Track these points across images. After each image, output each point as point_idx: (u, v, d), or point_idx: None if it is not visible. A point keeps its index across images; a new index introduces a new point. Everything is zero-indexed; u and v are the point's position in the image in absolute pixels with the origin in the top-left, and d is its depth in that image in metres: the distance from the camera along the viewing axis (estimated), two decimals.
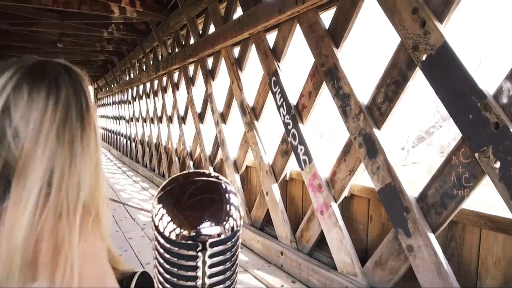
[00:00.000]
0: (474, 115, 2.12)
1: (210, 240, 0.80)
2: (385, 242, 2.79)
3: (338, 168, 3.22)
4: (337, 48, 3.13)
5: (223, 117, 5.35)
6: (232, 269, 0.89)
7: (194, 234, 0.79)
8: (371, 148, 2.81)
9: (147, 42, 9.14)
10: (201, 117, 6.18)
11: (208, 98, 5.77)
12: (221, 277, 0.86)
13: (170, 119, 7.98)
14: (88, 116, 0.80)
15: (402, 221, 2.57)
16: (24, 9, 7.34)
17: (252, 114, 4.47)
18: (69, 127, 0.75)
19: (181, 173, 0.91)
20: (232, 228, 0.83)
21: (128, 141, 12.85)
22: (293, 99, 3.78)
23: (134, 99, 11.74)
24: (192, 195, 0.83)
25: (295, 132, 3.67)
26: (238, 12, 4.84)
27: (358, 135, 2.93)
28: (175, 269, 0.83)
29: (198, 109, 6.26)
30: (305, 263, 3.48)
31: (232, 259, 0.87)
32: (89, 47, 11.31)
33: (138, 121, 11.26)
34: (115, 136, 15.97)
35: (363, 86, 3.03)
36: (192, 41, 6.36)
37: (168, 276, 0.84)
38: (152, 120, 9.61)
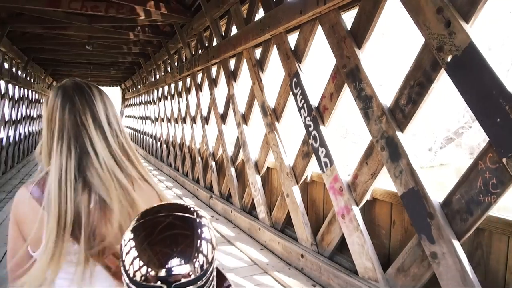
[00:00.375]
0: (502, 118, 2.03)
1: (177, 282, 0.74)
2: (408, 248, 2.72)
3: (360, 171, 3.16)
4: (359, 49, 3.07)
5: (245, 118, 5.37)
6: None
7: (161, 274, 0.74)
8: (394, 151, 2.74)
9: (171, 43, 9.30)
10: (223, 118, 6.22)
11: (230, 99, 5.80)
12: None
13: (193, 120, 8.08)
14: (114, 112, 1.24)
15: (425, 227, 2.49)
16: (55, 13, 7.62)
17: (273, 115, 4.47)
18: (114, 115, 1.22)
19: (159, 204, 0.87)
20: (202, 266, 0.78)
21: (154, 141, 13.12)
22: (314, 101, 3.74)
23: (159, 99, 11.97)
24: (164, 229, 0.79)
25: (316, 134, 3.63)
26: (260, 14, 4.84)
27: (380, 137, 2.86)
28: None
29: (221, 110, 6.31)
30: (325, 267, 3.44)
31: None
32: (117, 49, 11.61)
33: (163, 121, 11.48)
34: (142, 136, 16.33)
35: (387, 88, 2.96)
36: (215, 42, 6.41)
37: None
38: (176, 121, 9.77)
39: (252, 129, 5.40)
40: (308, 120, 3.75)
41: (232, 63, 5.81)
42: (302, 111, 3.84)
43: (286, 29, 4.09)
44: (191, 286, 0.76)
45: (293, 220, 4.10)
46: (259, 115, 4.78)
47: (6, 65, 9.62)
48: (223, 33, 6.07)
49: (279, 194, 4.58)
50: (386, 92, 2.94)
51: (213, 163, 6.75)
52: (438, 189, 2.56)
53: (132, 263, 0.75)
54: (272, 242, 4.36)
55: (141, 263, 0.74)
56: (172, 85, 10.02)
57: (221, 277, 1.42)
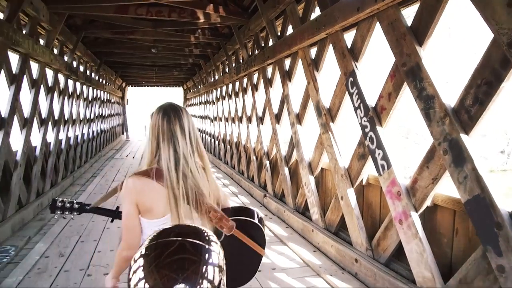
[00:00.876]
0: None
1: None
2: (472, 259, 2.52)
3: (420, 176, 2.99)
4: (420, 46, 2.90)
5: (299, 118, 5.34)
6: None
7: None
8: (458, 155, 2.55)
9: (229, 45, 9.52)
10: (277, 117, 6.24)
11: (284, 99, 5.80)
12: None
13: (249, 119, 8.21)
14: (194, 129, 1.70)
15: (492, 238, 2.29)
16: (124, 19, 8.19)
17: (327, 115, 4.39)
18: (192, 127, 1.69)
19: (177, 225, 0.93)
20: None
21: (212, 139, 13.56)
22: (371, 101, 3.61)
23: (217, 99, 12.33)
24: (173, 252, 0.81)
25: (373, 136, 3.51)
26: (316, 12, 4.78)
27: (443, 140, 2.68)
28: None
29: (275, 109, 6.34)
30: (381, 274, 3.32)
31: None
32: (179, 52, 12.18)
33: (220, 121, 11.81)
34: (201, 134, 16.96)
35: (450, 87, 2.77)
36: (271, 43, 6.45)
37: None
38: (233, 120, 9.99)
39: (306, 129, 5.35)
40: (364, 121, 3.63)
41: (287, 63, 5.81)
42: (358, 111, 3.72)
43: (342, 27, 4.00)
44: None
45: (348, 223, 4.00)
46: (314, 115, 4.73)
47: (81, 68, 10.52)
48: (279, 33, 6.08)
49: (333, 196, 4.49)
50: (449, 92, 2.75)
51: (267, 162, 6.81)
52: (510, 195, 2.33)
53: (137, 284, 0.77)
54: (325, 244, 4.29)
55: (147, 285, 0.76)
56: (230, 86, 10.26)
57: (249, 212, 1.94)
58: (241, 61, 8.76)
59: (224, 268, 0.83)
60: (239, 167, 9.23)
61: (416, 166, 3.08)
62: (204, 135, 16.08)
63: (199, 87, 16.73)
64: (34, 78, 6.52)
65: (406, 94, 3.19)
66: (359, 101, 3.72)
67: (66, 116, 8.87)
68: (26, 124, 6.00)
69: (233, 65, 9.59)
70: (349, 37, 4.02)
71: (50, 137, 7.58)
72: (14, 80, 5.43)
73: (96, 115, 13.57)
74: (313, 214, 4.84)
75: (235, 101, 9.60)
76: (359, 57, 3.83)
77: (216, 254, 0.84)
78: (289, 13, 5.38)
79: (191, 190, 1.59)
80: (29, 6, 5.65)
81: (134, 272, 0.79)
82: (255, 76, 7.73)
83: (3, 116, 5.12)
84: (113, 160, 13.50)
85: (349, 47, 3.94)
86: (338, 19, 3.91)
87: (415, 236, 2.98)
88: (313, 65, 4.74)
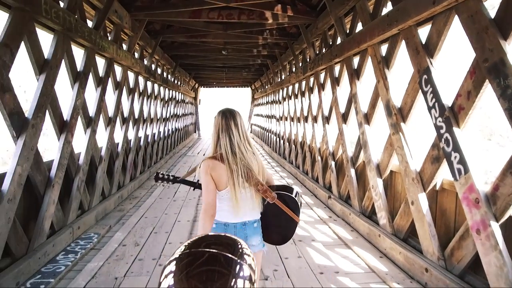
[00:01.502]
0: None
1: None
2: None
3: (502, 182, 2.72)
4: (505, 40, 2.63)
5: (367, 118, 5.15)
6: None
7: None
8: None
9: (297, 44, 9.51)
10: (344, 117, 6.09)
11: (352, 98, 5.64)
12: None
13: (314, 119, 8.13)
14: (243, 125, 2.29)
15: None
16: (197, 23, 8.63)
17: (398, 115, 4.17)
18: (242, 123, 2.30)
19: (213, 235, 0.94)
20: None
21: (277, 139, 13.66)
22: (447, 100, 3.36)
23: (283, 99, 12.39)
24: (204, 263, 0.82)
25: (449, 137, 3.26)
26: (388, 8, 4.57)
27: None
28: None
29: (342, 109, 6.19)
30: (454, 286, 3.08)
31: None
32: (248, 53, 12.48)
33: (286, 120, 11.85)
34: (267, 134, 17.18)
35: None
36: (339, 41, 6.32)
37: None
38: (298, 119, 9.97)
39: (374, 130, 5.14)
40: (439, 121, 3.39)
41: (355, 61, 5.64)
42: (433, 111, 3.49)
43: (416, 22, 3.77)
44: None
45: (418, 230, 3.77)
46: (383, 115, 4.53)
47: (159, 71, 11.29)
48: (348, 31, 5.93)
49: (402, 200, 4.27)
50: None
51: (333, 163, 6.67)
52: None
53: None
54: (393, 251, 4.10)
55: None
56: (296, 85, 10.24)
57: (289, 189, 2.50)
58: (308, 60, 8.70)
59: (256, 280, 0.84)
60: (304, 167, 9.17)
61: (498, 171, 2.80)
62: (269, 134, 16.26)
63: (266, 87, 16.96)
64: (118, 80, 7.16)
65: (487, 92, 2.92)
66: (433, 100, 3.48)
67: (145, 115, 9.60)
68: (110, 122, 6.62)
69: (300, 64, 9.56)
70: (423, 32, 3.78)
71: (130, 135, 8.27)
72: (100, 83, 6.03)
73: (171, 114, 14.46)
74: (380, 219, 4.65)
75: (301, 101, 9.56)
76: (434, 53, 3.59)
77: (247, 267, 0.84)
78: (359, 10, 5.21)
79: (243, 167, 2.21)
80: (114, 14, 6.22)
81: (165, 276, 0.81)
82: (322, 75, 7.62)
83: (90, 115, 5.71)
84: (186, 157, 14.28)
85: (423, 42, 3.71)
86: (411, 13, 3.70)
87: (494, 248, 2.71)
88: (384, 63, 4.54)
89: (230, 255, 0.85)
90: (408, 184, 3.93)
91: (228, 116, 2.27)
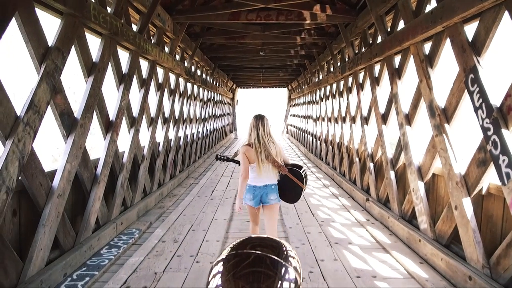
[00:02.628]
0: None
1: None
2: None
3: None
4: None
5: (408, 118, 4.98)
6: None
7: None
8: None
9: (335, 43, 9.38)
10: (384, 118, 5.92)
11: (393, 98, 5.48)
12: None
13: (353, 119, 7.97)
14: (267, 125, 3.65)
15: None
16: (235, 25, 8.76)
17: (442, 116, 4.01)
18: (267, 124, 3.64)
19: (258, 237, 0.94)
20: None
21: (314, 139, 13.53)
22: (495, 100, 3.19)
23: (321, 99, 12.26)
24: (250, 264, 0.83)
25: (497, 140, 3.09)
26: (432, 5, 4.39)
27: None
28: None
29: (382, 109, 6.03)
30: None
31: None
32: (285, 53, 12.48)
33: (323, 121, 11.71)
34: (303, 134, 17.05)
35: None
36: (379, 39, 6.16)
37: None
38: (336, 120, 9.82)
39: (416, 131, 4.97)
40: (486, 123, 3.22)
41: (396, 60, 5.47)
42: (480, 111, 3.32)
43: (462, 19, 3.61)
44: None
45: (461, 236, 3.60)
46: (425, 115, 4.36)
47: (198, 72, 11.57)
48: (388, 29, 5.76)
49: (445, 204, 4.09)
50: None
51: (371, 164, 6.52)
52: None
53: None
54: (434, 257, 3.94)
55: None
56: (334, 85, 10.10)
57: (298, 166, 3.86)
58: (346, 59, 8.55)
59: (301, 281, 0.84)
60: (341, 168, 9.02)
61: None
62: (305, 134, 16.14)
63: (303, 87, 16.84)
64: (160, 82, 7.42)
65: None
66: (480, 100, 3.31)
67: (185, 116, 9.87)
68: (152, 122, 6.87)
69: (338, 64, 9.41)
70: (469, 30, 3.61)
71: (171, 135, 8.54)
72: (144, 84, 6.28)
73: (210, 115, 14.76)
74: (421, 223, 4.48)
75: (339, 101, 9.41)
76: (481, 51, 3.41)
77: (293, 269, 0.84)
78: (401, 7, 5.06)
79: (264, 151, 3.52)
80: (157, 18, 6.46)
81: (213, 276, 0.83)
82: (361, 75, 7.46)
83: (134, 115, 5.96)
84: None
85: (469, 40, 3.54)
86: (457, 10, 3.54)
87: None
88: (427, 62, 4.38)
89: (276, 258, 0.86)
90: (452, 188, 3.76)
91: (258, 119, 3.62)
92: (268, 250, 0.88)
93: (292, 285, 0.82)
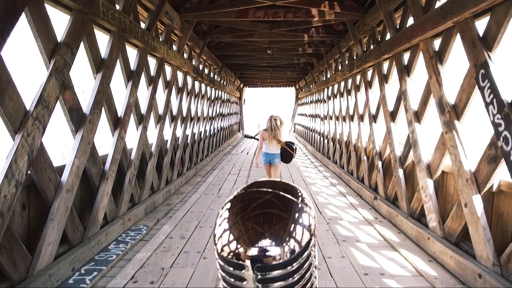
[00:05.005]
0: None
1: (263, 264, 0.70)
2: None
3: None
4: None
5: (417, 115, 4.93)
6: None
7: (249, 253, 0.70)
8: None
9: (343, 41, 9.33)
10: (392, 115, 5.87)
11: (401, 96, 5.42)
12: None
13: (361, 118, 7.92)
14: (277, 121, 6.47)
15: None
16: (243, 23, 8.75)
17: (452, 112, 3.95)
18: (276, 121, 6.48)
19: (268, 180, 0.86)
20: (293, 251, 0.71)
21: (321, 138, 13.47)
22: (507, 95, 3.14)
23: (328, 98, 12.19)
24: (261, 205, 0.76)
25: (508, 135, 3.04)
26: (442, 0, 4.34)
27: None
28: (227, 286, 0.78)
29: (390, 107, 5.97)
30: None
31: (299, 284, 0.74)
32: (292, 52, 12.44)
33: (331, 119, 11.65)
34: (310, 133, 16.99)
35: None
36: (388, 37, 6.11)
37: None
38: (343, 118, 9.76)
39: (425, 128, 4.91)
40: (497, 118, 3.17)
41: (405, 57, 5.42)
42: (491, 107, 3.27)
43: (473, 14, 3.56)
44: (279, 271, 0.71)
45: (471, 233, 3.55)
46: (434, 112, 4.32)
47: (206, 71, 11.59)
48: (397, 26, 5.71)
49: (455, 202, 4.04)
50: None
51: (379, 163, 6.46)
52: None
53: (221, 236, 0.75)
54: (443, 255, 3.89)
55: (231, 237, 0.73)
56: (342, 83, 10.04)
57: (292, 142, 6.88)
58: (354, 57, 8.50)
59: (315, 232, 0.76)
60: (349, 167, 8.97)
61: None
62: (313, 133, 16.08)
63: (311, 86, 16.78)
64: (167, 79, 7.45)
65: None
66: (491, 96, 3.26)
67: (192, 114, 9.89)
68: (159, 120, 6.90)
69: (346, 62, 9.36)
70: (480, 25, 3.56)
71: (178, 133, 8.56)
72: (152, 82, 6.31)
73: (217, 113, 14.77)
74: (430, 221, 4.43)
75: (347, 99, 9.35)
76: (492, 46, 3.36)
77: (307, 215, 0.76)
78: (410, 3, 5.00)
79: (273, 133, 6.23)
80: (165, 16, 6.48)
81: (219, 225, 0.77)
82: (369, 73, 7.41)
83: (142, 113, 5.99)
84: (230, 155, 14.52)
85: (480, 35, 3.48)
86: (468, 4, 3.50)
87: None
88: (436, 58, 4.32)
89: (289, 196, 0.79)
90: (462, 185, 3.71)
91: (271, 117, 6.30)
92: (281, 190, 0.80)
93: (306, 231, 0.74)
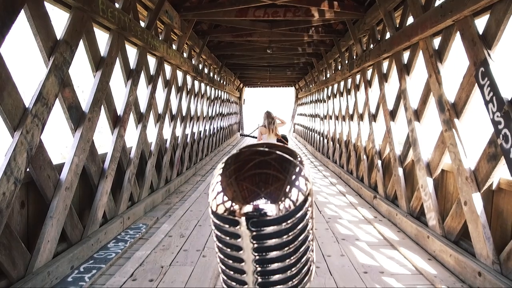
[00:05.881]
0: None
1: (257, 219, 0.68)
2: None
3: None
4: None
5: (417, 114, 4.92)
6: (294, 257, 0.73)
7: (244, 210, 0.67)
8: None
9: (343, 41, 9.32)
10: (392, 114, 5.87)
11: (401, 95, 5.42)
12: (277, 265, 0.71)
13: (360, 117, 7.92)
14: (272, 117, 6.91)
15: None
16: (243, 22, 8.75)
17: (452, 111, 3.95)
18: (272, 117, 7.02)
19: (264, 143, 0.83)
20: (287, 208, 0.69)
21: (321, 138, 13.47)
22: (506, 93, 3.13)
23: (328, 97, 12.20)
24: (256, 166, 0.73)
25: (508, 133, 3.04)
26: None
27: None
28: (222, 246, 0.75)
29: (390, 106, 5.97)
30: None
31: (295, 243, 0.72)
32: (292, 51, 12.44)
33: (330, 119, 11.65)
34: (310, 133, 16.99)
35: None
36: (387, 36, 6.11)
37: (219, 255, 0.79)
38: (343, 118, 9.76)
39: (425, 127, 4.91)
40: (497, 116, 3.17)
41: (405, 55, 5.42)
42: (490, 105, 3.27)
43: (472, 12, 3.56)
44: (274, 227, 0.68)
45: (471, 232, 3.55)
46: (434, 111, 4.32)
47: (206, 70, 11.58)
48: (397, 25, 5.71)
49: (454, 200, 4.04)
50: None
51: (379, 162, 6.46)
52: None
53: (215, 198, 0.72)
54: (443, 253, 3.89)
55: (225, 198, 0.70)
56: (342, 83, 10.04)
57: (284, 135, 7.07)
58: (354, 57, 8.50)
59: (311, 192, 0.73)
60: (348, 166, 8.97)
61: None
62: (312, 133, 16.07)
63: (311, 86, 16.78)
64: (167, 78, 7.44)
65: None
66: (491, 93, 3.26)
67: (192, 113, 9.89)
68: (159, 119, 6.90)
69: (346, 61, 9.36)
70: (479, 23, 3.56)
71: (178, 132, 8.56)
72: (151, 80, 6.30)
73: (217, 113, 14.77)
74: (429, 220, 4.43)
75: (346, 99, 9.35)
76: (492, 44, 3.36)
77: (304, 176, 0.74)
78: (410, 2, 5.00)
79: (270, 129, 6.57)
80: (165, 15, 6.48)
81: (212, 190, 0.74)
82: (369, 72, 7.41)
83: (142, 111, 5.98)
84: (229, 155, 14.50)
85: (480, 33, 3.48)
86: (468, 2, 3.50)
87: None
88: (436, 56, 4.32)
89: (287, 156, 0.76)
90: (461, 183, 3.71)
91: (268, 114, 6.72)
92: (278, 150, 0.77)
93: (302, 192, 0.71)
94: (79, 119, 3.99)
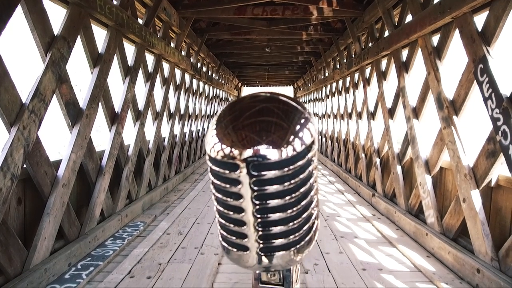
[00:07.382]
0: None
1: (258, 162, 0.62)
2: None
3: None
4: None
5: (416, 112, 4.92)
6: (297, 207, 0.68)
7: (245, 156, 0.62)
8: None
9: (342, 39, 9.32)
10: (391, 112, 5.86)
11: (400, 92, 5.42)
12: (278, 215, 0.66)
13: (359, 115, 7.92)
14: None
15: None
16: (242, 20, 8.72)
17: (450, 108, 3.95)
18: None
19: (261, 92, 0.74)
20: (292, 152, 0.63)
21: (319, 137, 13.48)
22: (505, 90, 3.13)
23: (327, 96, 12.19)
24: (257, 113, 0.66)
25: (507, 130, 3.03)
26: None
27: None
28: (221, 196, 0.70)
29: (389, 104, 5.97)
30: None
31: (296, 194, 0.66)
32: (291, 50, 12.41)
33: (329, 118, 11.65)
34: None
35: None
36: (386, 34, 6.10)
37: (218, 207, 0.73)
38: (342, 117, 9.76)
39: (423, 124, 4.91)
40: (496, 113, 3.17)
41: (404, 53, 5.42)
42: (489, 102, 3.26)
43: (471, 9, 3.55)
44: (275, 171, 0.63)
45: (470, 229, 3.55)
46: (433, 108, 4.31)
47: (204, 68, 11.56)
48: (396, 23, 5.70)
49: (453, 198, 4.04)
50: None
51: (378, 160, 6.46)
52: None
53: (213, 146, 0.66)
54: (441, 250, 3.88)
55: (224, 146, 0.64)
56: (340, 82, 10.03)
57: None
58: (352, 55, 8.49)
59: (316, 142, 0.67)
60: (347, 164, 8.97)
61: None
62: None
63: (309, 85, 16.77)
64: (165, 76, 7.42)
65: None
66: (490, 90, 3.26)
67: (190, 111, 9.87)
68: (157, 117, 6.87)
69: (344, 60, 9.35)
70: (478, 20, 3.56)
71: (176, 130, 8.54)
72: (149, 78, 6.28)
73: (215, 112, 14.75)
74: (428, 217, 4.43)
75: (345, 97, 9.35)
76: (491, 41, 3.35)
77: (310, 125, 0.67)
78: (409, 0, 4.99)
79: None
80: (163, 12, 6.45)
81: (210, 140, 0.68)
82: (368, 70, 7.40)
83: (140, 109, 5.96)
84: None
85: (479, 30, 3.48)
86: None
87: None
88: (435, 54, 4.32)
89: (292, 102, 0.68)
90: (460, 180, 3.71)
91: None
92: (282, 96, 0.69)
93: (306, 140, 0.65)
94: (76, 115, 3.97)
